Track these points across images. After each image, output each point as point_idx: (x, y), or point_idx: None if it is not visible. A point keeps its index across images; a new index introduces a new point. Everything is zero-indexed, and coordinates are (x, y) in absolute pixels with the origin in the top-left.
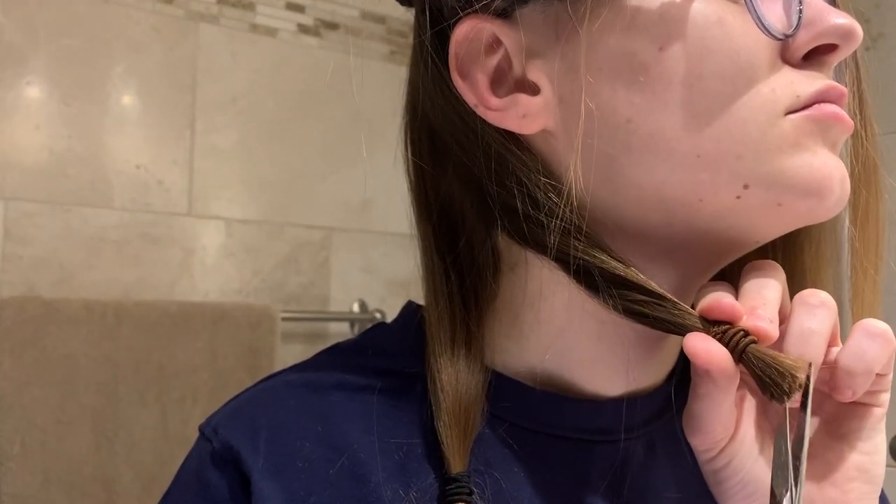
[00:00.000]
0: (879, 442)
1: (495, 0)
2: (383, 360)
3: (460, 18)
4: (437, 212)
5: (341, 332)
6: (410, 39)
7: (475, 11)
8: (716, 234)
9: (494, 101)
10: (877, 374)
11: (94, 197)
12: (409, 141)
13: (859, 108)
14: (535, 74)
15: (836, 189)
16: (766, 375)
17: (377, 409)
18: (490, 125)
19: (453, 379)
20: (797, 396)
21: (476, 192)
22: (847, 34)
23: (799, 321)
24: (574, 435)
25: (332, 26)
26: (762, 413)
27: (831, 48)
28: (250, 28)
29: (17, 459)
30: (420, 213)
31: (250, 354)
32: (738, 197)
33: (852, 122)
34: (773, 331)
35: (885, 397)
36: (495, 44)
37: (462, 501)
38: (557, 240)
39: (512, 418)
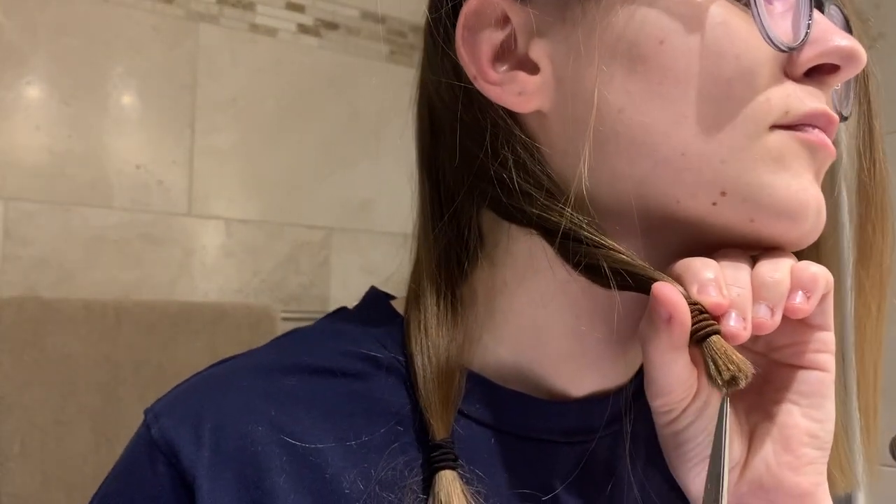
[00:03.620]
0: (830, 410)
1: None
2: (343, 343)
3: None
4: (439, 188)
5: None
6: (410, 39)
7: None
8: (691, 235)
9: (493, 74)
10: (815, 326)
11: (93, 197)
12: (417, 116)
13: (869, 146)
14: (537, 54)
15: (810, 217)
16: (713, 363)
17: (336, 393)
18: (488, 100)
19: (437, 342)
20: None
21: (468, 167)
22: (849, 56)
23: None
24: (538, 436)
25: (332, 26)
26: None
27: (833, 69)
28: (250, 28)
29: (16, 459)
30: (421, 187)
31: None
32: (714, 203)
33: (835, 150)
34: (745, 335)
35: (830, 361)
36: (504, 20)
37: (448, 468)
38: (543, 213)
39: (478, 416)
